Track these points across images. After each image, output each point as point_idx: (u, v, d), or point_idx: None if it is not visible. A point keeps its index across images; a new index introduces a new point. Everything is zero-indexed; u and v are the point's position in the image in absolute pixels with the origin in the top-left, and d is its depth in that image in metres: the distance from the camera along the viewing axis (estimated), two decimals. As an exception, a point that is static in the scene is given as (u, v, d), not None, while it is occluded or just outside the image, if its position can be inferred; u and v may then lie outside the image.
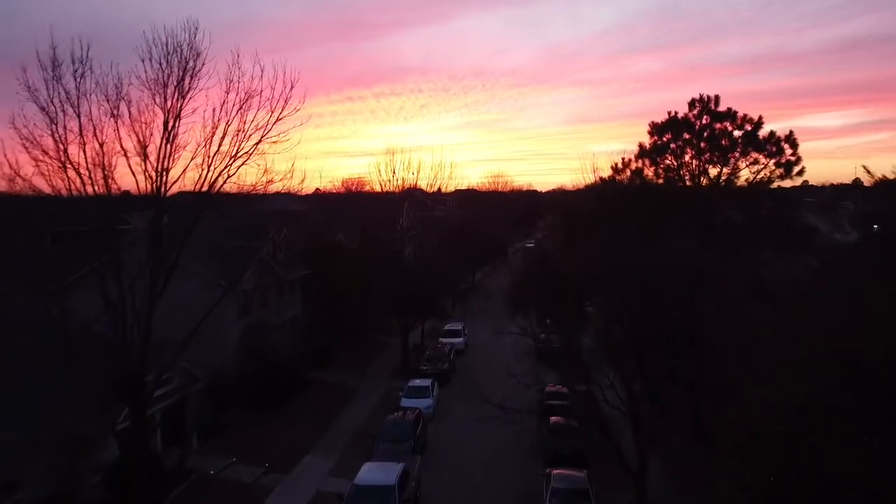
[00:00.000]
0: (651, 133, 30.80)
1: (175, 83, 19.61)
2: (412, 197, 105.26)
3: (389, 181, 69.11)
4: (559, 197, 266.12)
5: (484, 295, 75.59)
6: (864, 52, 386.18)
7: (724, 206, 27.96)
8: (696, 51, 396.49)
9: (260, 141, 21.56)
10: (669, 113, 30.48)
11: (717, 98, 30.03)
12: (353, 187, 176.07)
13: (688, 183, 29.01)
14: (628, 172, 30.74)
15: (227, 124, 20.94)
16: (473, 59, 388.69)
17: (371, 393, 40.61)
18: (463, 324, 54.03)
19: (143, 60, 19.91)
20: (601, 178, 32.92)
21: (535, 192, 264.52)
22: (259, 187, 22.61)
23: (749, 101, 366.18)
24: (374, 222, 63.25)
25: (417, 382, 38.58)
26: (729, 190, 28.81)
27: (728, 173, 29.02)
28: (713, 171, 29.26)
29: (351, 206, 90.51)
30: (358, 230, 61.21)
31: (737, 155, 28.86)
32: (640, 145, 30.83)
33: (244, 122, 21.11)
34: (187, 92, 19.93)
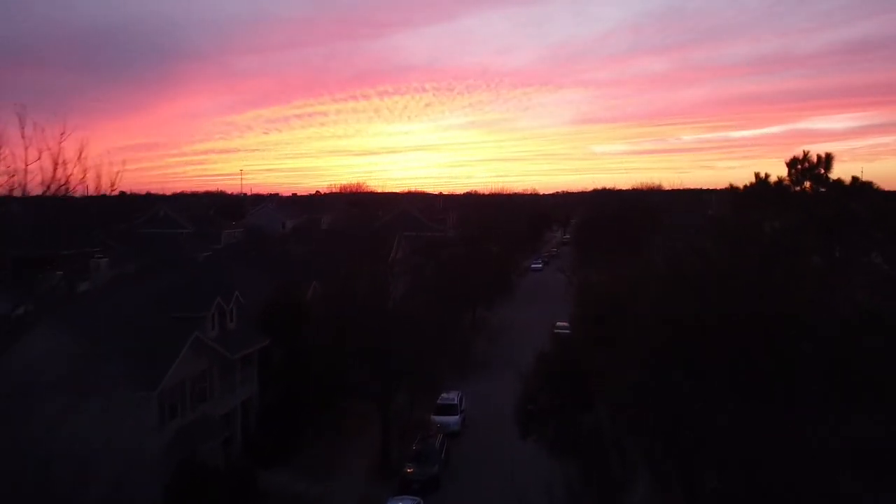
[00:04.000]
0: (734, 206, 21.58)
1: None
2: (407, 216, 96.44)
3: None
4: (562, 200, 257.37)
5: (486, 335, 66.74)
6: (871, 54, 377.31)
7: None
8: (703, 51, 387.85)
9: None
10: (758, 175, 21.38)
11: (827, 158, 20.78)
12: (351, 190, 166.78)
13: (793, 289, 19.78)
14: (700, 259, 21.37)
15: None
16: (478, 59, 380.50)
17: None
18: (459, 394, 44.74)
19: None
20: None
21: (538, 194, 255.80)
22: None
23: (755, 103, 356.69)
24: (361, 258, 54.47)
25: (397, 507, 29.58)
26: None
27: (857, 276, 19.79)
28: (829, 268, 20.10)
29: (340, 233, 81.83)
30: (340, 268, 52.04)
31: (872, 254, 19.65)
32: (715, 220, 21.64)
33: None
34: None
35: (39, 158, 21.81)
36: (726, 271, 18.95)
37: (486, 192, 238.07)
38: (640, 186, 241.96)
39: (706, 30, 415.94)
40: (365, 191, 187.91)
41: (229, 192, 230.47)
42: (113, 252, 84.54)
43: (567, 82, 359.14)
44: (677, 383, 21.05)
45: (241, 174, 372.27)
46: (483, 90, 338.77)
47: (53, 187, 21.22)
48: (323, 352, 38.41)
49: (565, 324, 68.83)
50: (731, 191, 22.02)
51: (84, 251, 78.80)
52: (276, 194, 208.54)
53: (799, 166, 21.07)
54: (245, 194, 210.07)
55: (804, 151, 21.03)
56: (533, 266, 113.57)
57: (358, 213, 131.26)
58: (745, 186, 21.45)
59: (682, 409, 21.31)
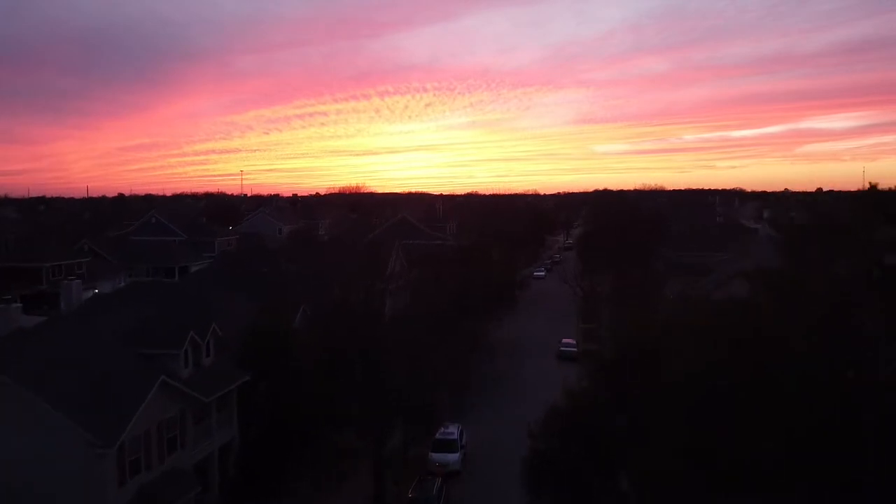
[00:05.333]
0: (787, 246, 18.02)
1: None
2: (406, 224, 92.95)
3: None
4: (564, 201, 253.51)
5: (488, 354, 63.37)
6: (872, 54, 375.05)
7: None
8: (703, 51, 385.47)
9: None
10: (818, 212, 17.92)
11: (900, 191, 17.34)
12: (350, 191, 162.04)
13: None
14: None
15: None
16: (479, 59, 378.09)
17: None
18: (459, 428, 41.27)
19: None
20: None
21: (539, 195, 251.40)
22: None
23: (755, 103, 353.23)
24: (356, 274, 51.12)
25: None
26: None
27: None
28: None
29: (337, 241, 78.51)
30: (333, 286, 48.66)
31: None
32: (761, 274, 18.02)
33: None
34: None
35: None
36: (784, 335, 15.53)
37: (487, 193, 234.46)
38: (642, 187, 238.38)
39: (706, 30, 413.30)
40: (364, 192, 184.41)
41: (230, 193, 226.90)
42: (102, 261, 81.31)
43: (567, 82, 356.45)
44: (718, 454, 17.79)
45: (242, 174, 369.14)
46: (484, 90, 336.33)
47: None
48: (310, 384, 35.07)
49: (571, 341, 65.44)
50: (780, 226, 18.68)
51: (70, 262, 75.52)
52: (277, 195, 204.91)
53: (865, 201, 17.61)
54: (245, 195, 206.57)
55: (870, 183, 17.63)
56: (535, 273, 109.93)
57: (356, 219, 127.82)
58: (802, 226, 18.02)
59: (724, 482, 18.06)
